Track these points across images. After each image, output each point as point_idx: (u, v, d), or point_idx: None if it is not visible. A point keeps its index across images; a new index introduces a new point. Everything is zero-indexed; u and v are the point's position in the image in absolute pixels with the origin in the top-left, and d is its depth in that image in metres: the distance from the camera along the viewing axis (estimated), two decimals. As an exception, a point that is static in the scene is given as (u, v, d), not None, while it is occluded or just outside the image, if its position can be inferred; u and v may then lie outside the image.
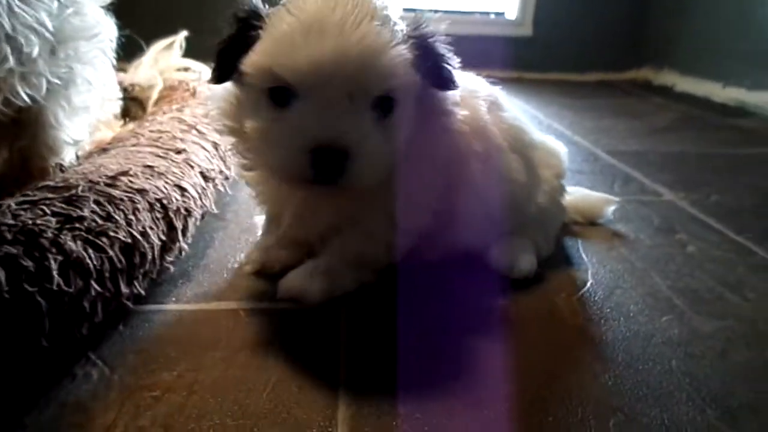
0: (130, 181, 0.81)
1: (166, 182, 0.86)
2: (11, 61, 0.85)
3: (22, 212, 0.67)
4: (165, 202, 0.83)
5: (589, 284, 0.88)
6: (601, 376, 0.67)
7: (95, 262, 0.67)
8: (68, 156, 0.99)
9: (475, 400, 0.62)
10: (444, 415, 0.60)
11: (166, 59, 1.61)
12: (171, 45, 1.64)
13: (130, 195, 0.77)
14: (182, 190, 0.89)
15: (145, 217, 0.77)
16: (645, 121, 2.13)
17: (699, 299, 0.85)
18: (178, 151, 0.99)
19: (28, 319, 0.58)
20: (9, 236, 0.62)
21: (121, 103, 1.36)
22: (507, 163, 0.85)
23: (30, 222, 0.65)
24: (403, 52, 0.63)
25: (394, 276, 0.84)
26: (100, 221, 0.70)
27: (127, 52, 1.49)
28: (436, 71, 0.69)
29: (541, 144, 0.96)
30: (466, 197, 0.82)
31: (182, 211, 0.86)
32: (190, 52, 1.66)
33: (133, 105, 1.48)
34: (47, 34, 0.89)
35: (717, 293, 0.87)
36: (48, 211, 0.68)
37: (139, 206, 0.77)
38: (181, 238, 0.85)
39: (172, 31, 1.64)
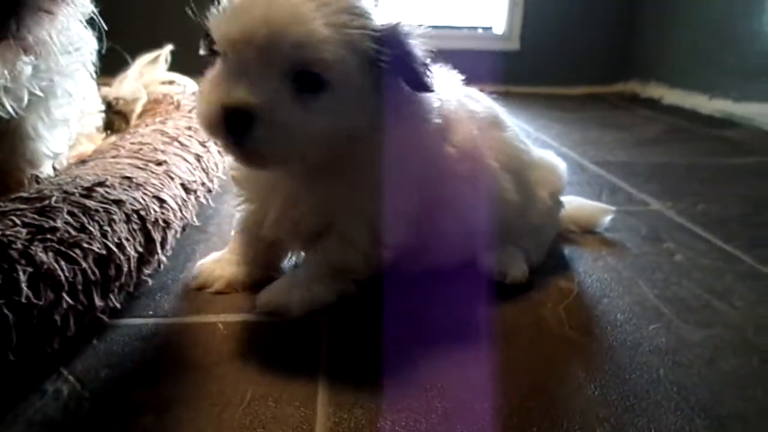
0: (107, 192, 0.79)
1: (145, 193, 0.85)
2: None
3: (-9, 223, 0.65)
4: (143, 213, 0.81)
5: (575, 293, 0.87)
6: (587, 386, 0.66)
7: (67, 274, 0.65)
8: (46, 169, 0.97)
9: (460, 411, 0.61)
10: (428, 429, 0.58)
11: (151, 73, 1.60)
12: (156, 59, 1.64)
13: (105, 206, 0.76)
14: (161, 201, 0.87)
15: (122, 229, 0.75)
16: (632, 133, 2.14)
17: (686, 307, 0.84)
18: (159, 163, 0.97)
19: (-7, 333, 0.56)
20: (-24, 248, 0.60)
21: (103, 116, 1.35)
22: (499, 184, 0.85)
23: (-1, 233, 0.63)
24: (340, 32, 0.62)
25: (379, 285, 0.83)
26: (73, 232, 0.69)
27: (113, 65, 1.48)
28: (405, 70, 0.67)
29: (540, 162, 0.96)
30: (447, 217, 0.81)
31: (161, 222, 0.84)
32: (176, 65, 1.66)
33: (117, 118, 1.47)
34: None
35: (704, 301, 0.86)
36: (18, 222, 0.66)
37: (115, 217, 0.75)
38: (159, 250, 0.83)
39: (158, 45, 1.63)
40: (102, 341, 0.71)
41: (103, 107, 1.36)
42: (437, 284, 0.87)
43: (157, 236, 0.83)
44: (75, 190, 0.76)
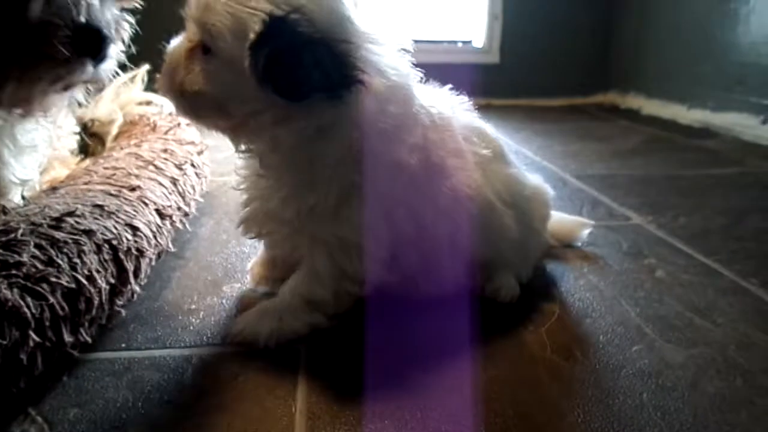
0: (77, 222, 0.77)
1: (117, 222, 0.83)
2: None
3: (-47, 260, 0.63)
4: (114, 242, 0.79)
5: (557, 315, 0.86)
6: (569, 413, 0.64)
7: (34, 311, 0.63)
8: (15, 197, 0.94)
9: (438, 444, 0.59)
10: (406, 463, 0.57)
11: (127, 93, 1.58)
12: (133, 79, 1.61)
13: (75, 237, 0.74)
14: (134, 229, 0.85)
15: (92, 260, 0.73)
16: (612, 144, 2.15)
17: (669, 326, 0.83)
18: (132, 189, 0.95)
19: (-46, 377, 0.54)
20: (-64, 287, 0.58)
21: (77, 138, 1.32)
22: (500, 221, 0.85)
23: (-39, 270, 0.61)
24: (232, 10, 0.63)
25: (360, 311, 0.81)
26: (40, 266, 0.67)
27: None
28: (276, 68, 0.63)
29: (535, 193, 0.95)
30: (435, 254, 0.81)
31: (133, 251, 0.82)
32: (153, 86, 1.63)
33: (92, 140, 1.44)
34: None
35: (686, 319, 0.86)
36: (-18, 258, 0.64)
37: (85, 248, 0.73)
38: (132, 280, 0.81)
39: (134, 64, 1.61)
40: (72, 377, 0.69)
41: (77, 129, 1.34)
42: (420, 309, 0.85)
43: (130, 266, 0.80)
44: (43, 221, 0.74)
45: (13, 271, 0.64)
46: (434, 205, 0.77)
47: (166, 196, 1.02)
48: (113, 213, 0.84)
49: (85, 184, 0.94)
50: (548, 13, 3.05)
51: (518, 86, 3.07)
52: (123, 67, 0.98)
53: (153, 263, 0.91)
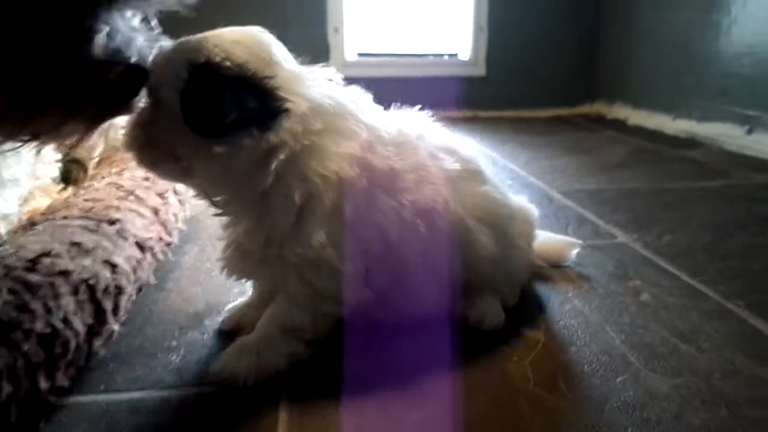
0: (53, 263, 0.76)
1: (95, 259, 0.82)
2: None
3: (-77, 310, 0.62)
4: (92, 282, 0.78)
5: (541, 344, 0.85)
6: (553, 451, 0.64)
7: (7, 360, 0.62)
8: (-6, 232, 0.93)
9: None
10: None
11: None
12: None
13: (50, 279, 0.73)
14: (113, 266, 0.84)
15: (68, 302, 0.72)
16: (599, 157, 2.16)
17: (653, 354, 0.83)
18: (112, 222, 0.94)
19: None
20: None
21: (59, 165, 1.31)
22: (473, 237, 0.84)
23: (-69, 321, 0.60)
24: (171, 62, 0.69)
25: (339, 343, 0.81)
26: (13, 313, 0.65)
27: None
28: (190, 105, 0.68)
29: (518, 212, 0.95)
30: (407, 272, 0.80)
31: (112, 289, 0.81)
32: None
33: (74, 167, 1.43)
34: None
35: (671, 345, 0.85)
36: (-47, 307, 0.63)
37: (60, 290, 0.72)
38: (111, 319, 0.80)
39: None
40: (49, 425, 0.68)
41: (59, 156, 1.32)
42: (399, 335, 0.85)
43: (108, 305, 0.79)
44: (18, 264, 0.73)
45: (-15, 320, 0.63)
46: (398, 220, 0.77)
47: (146, 227, 1.01)
48: (91, 251, 0.83)
49: (64, 218, 0.93)
50: (533, 25, 3.07)
51: (505, 98, 3.09)
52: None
53: (133, 298, 0.90)
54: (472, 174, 0.87)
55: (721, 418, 0.70)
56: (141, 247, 0.96)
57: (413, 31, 3.10)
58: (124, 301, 0.85)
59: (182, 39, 0.72)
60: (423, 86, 2.97)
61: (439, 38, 3.12)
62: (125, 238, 0.93)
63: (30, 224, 0.94)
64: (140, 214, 1.03)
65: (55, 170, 1.30)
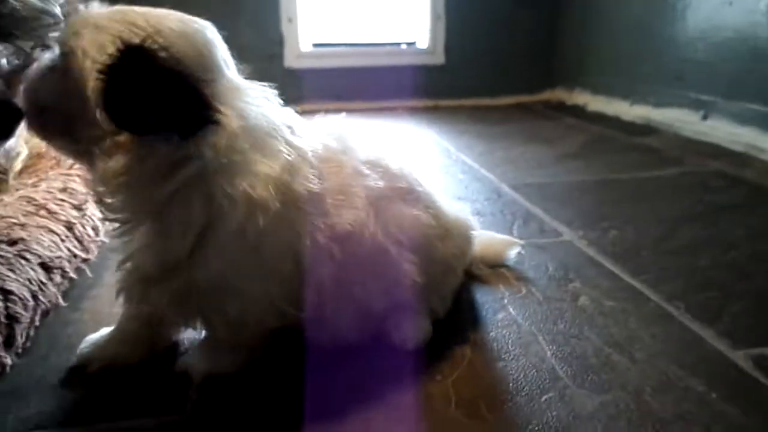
0: (-69, 296, 0.70)
1: (-16, 288, 0.76)
2: None
3: None
4: (-24, 314, 0.72)
5: (467, 359, 0.81)
6: (465, 486, 0.60)
7: None
8: None
9: None
10: None
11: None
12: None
13: (-76, 315, 0.67)
14: (6, 293, 0.78)
15: (-55, 340, 0.66)
16: (555, 147, 2.13)
17: (584, 367, 0.79)
18: (13, 242, 0.88)
19: None
20: None
21: (-24, 177, 1.24)
22: (395, 263, 0.78)
23: None
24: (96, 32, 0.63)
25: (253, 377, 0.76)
26: None
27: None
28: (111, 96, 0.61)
29: (451, 228, 0.88)
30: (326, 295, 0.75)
31: (2, 320, 0.75)
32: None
33: (-6, 177, 1.36)
34: None
35: (604, 357, 0.82)
36: None
37: (-64, 327, 0.66)
38: (3, 352, 0.74)
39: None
40: None
41: (-23, 165, 1.25)
42: (327, 358, 0.80)
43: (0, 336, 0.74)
44: None
45: None
46: (311, 241, 0.71)
47: (56, 245, 0.95)
48: (-20, 278, 0.77)
49: (-40, 240, 0.86)
50: (491, 12, 3.02)
51: (465, 86, 3.05)
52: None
53: (36, 323, 0.84)
54: (398, 192, 0.81)
55: (647, 439, 0.66)
56: (46, 267, 0.89)
57: (370, 20, 3.03)
58: (20, 331, 0.79)
59: (118, 8, 0.64)
60: (381, 76, 2.92)
61: (396, 27, 3.06)
62: (26, 260, 0.86)
63: None
64: (50, 231, 0.97)
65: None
